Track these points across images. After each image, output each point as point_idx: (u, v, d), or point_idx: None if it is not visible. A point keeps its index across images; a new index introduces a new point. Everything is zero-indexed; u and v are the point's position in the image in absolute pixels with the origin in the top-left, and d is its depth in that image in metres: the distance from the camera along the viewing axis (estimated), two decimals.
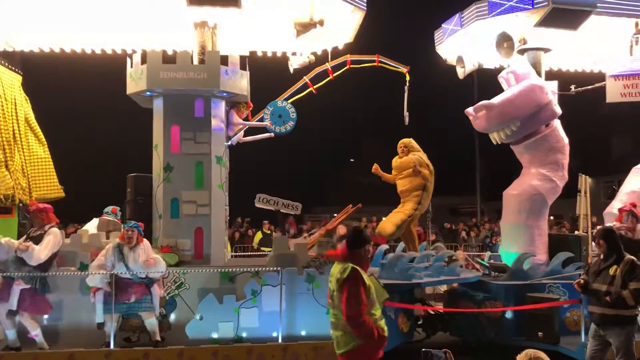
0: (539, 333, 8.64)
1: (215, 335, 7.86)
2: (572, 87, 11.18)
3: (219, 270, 8.37)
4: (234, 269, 8.41)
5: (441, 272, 9.06)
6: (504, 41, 9.30)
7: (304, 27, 8.69)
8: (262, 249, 11.60)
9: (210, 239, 8.93)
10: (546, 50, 10.39)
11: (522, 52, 10.38)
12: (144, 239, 7.88)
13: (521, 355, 3.89)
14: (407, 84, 9.92)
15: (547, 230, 10.02)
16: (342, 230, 10.99)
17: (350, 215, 9.83)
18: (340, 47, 10.30)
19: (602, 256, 6.38)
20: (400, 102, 10.35)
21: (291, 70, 10.49)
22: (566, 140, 10.03)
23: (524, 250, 9.64)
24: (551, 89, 11.35)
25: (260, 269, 8.29)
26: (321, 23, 8.73)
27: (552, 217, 13.08)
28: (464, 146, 30.67)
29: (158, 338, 7.84)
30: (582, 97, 11.30)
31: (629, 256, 6.25)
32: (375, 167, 9.93)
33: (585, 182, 11.23)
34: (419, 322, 9.58)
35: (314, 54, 10.44)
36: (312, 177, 37.50)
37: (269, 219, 16.38)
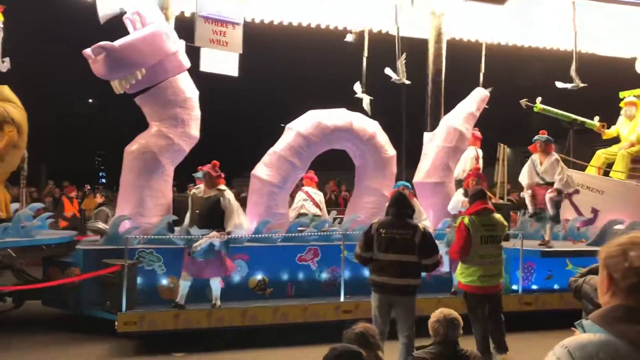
0: (108, 302, 8.00)
1: None
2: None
3: None
4: None
5: (8, 233, 8.17)
6: None
7: None
8: None
9: None
10: None
11: None
12: None
13: (436, 312, 4.24)
14: (1, 25, 8.71)
15: (168, 192, 9.26)
16: None
17: None
18: None
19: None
20: None
21: None
22: (190, 94, 9.19)
23: (134, 212, 8.89)
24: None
25: None
26: None
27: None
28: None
29: None
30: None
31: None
32: None
33: (503, 151, 11.29)
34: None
35: None
36: None
37: None
